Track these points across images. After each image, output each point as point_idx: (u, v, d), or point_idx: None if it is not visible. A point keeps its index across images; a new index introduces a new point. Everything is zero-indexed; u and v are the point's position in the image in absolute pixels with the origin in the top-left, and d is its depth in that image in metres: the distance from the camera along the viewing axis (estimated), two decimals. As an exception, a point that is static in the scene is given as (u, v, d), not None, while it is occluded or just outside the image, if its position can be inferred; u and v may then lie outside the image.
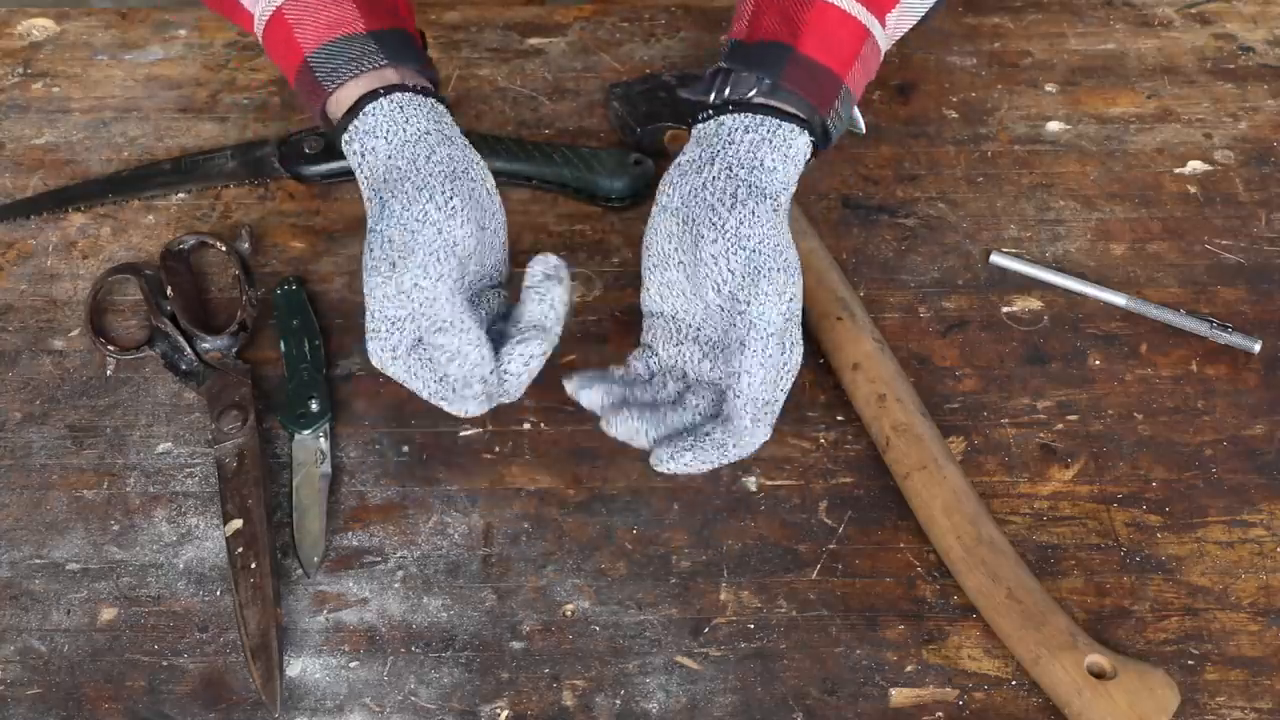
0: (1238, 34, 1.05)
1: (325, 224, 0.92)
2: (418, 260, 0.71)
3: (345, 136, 0.76)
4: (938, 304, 0.88)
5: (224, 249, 0.89)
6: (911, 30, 0.85)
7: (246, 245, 0.90)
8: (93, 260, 0.90)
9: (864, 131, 0.96)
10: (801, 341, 0.73)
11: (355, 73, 0.76)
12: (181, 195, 0.94)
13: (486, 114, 0.99)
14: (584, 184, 0.93)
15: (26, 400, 0.83)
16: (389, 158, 0.75)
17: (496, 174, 0.93)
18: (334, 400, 0.82)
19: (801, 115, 0.76)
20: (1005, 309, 0.87)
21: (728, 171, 0.74)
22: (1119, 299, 0.87)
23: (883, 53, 0.80)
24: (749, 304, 0.72)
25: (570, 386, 0.75)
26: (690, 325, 0.77)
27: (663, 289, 0.77)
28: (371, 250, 0.72)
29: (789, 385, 0.73)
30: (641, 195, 0.93)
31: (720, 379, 0.76)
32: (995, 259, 0.89)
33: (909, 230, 0.92)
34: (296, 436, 0.79)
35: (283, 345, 0.84)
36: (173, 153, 0.96)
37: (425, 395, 0.74)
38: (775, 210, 0.74)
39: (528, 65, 1.03)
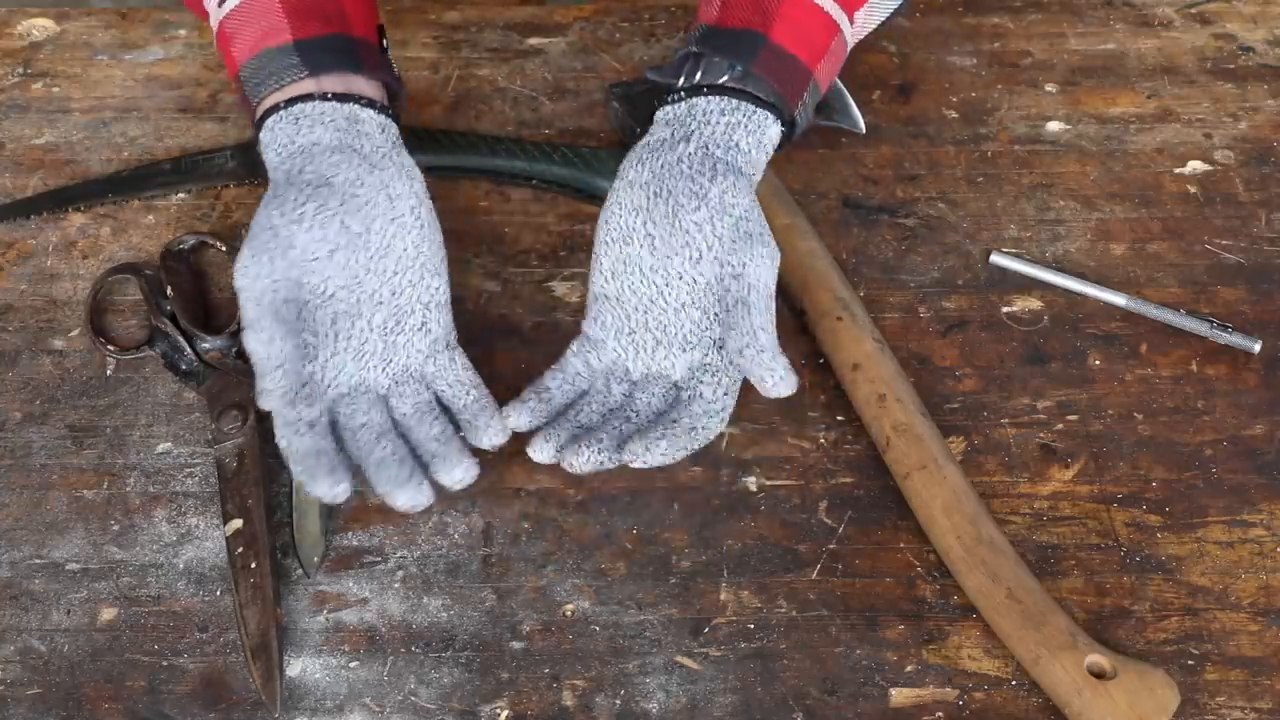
0: (1238, 34, 1.05)
1: (325, 224, 0.92)
2: (241, 261, 0.73)
3: (258, 148, 0.78)
4: (938, 304, 0.88)
5: (224, 249, 0.89)
6: (889, 22, 0.85)
7: (246, 245, 0.90)
8: (93, 260, 0.90)
9: (864, 131, 0.96)
10: None
11: (276, 86, 0.77)
12: (181, 195, 0.94)
13: (486, 114, 0.99)
14: (584, 184, 0.93)
15: (26, 400, 0.83)
16: (275, 168, 0.77)
17: (496, 174, 0.94)
18: (334, 400, 0.82)
19: (773, 103, 0.77)
20: (1005, 309, 0.87)
21: (704, 149, 0.76)
22: (1119, 299, 0.87)
23: (848, 49, 0.81)
24: (745, 266, 0.73)
25: (516, 424, 0.76)
26: (639, 308, 0.77)
27: (617, 265, 0.77)
28: None
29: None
30: (641, 195, 0.93)
31: (670, 368, 0.77)
32: (995, 259, 0.89)
33: (909, 230, 0.92)
34: (296, 436, 0.79)
35: (283, 345, 0.84)
36: (173, 153, 0.96)
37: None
38: (751, 188, 0.75)
39: (528, 65, 1.03)
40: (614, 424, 0.75)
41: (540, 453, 0.74)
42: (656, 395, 0.77)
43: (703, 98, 0.77)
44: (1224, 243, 0.91)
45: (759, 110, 0.77)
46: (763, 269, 0.73)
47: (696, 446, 0.74)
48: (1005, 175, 0.95)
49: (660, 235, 0.76)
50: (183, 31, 1.05)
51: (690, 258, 0.75)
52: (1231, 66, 1.03)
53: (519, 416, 0.76)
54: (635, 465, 0.73)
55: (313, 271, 0.74)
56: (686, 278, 0.76)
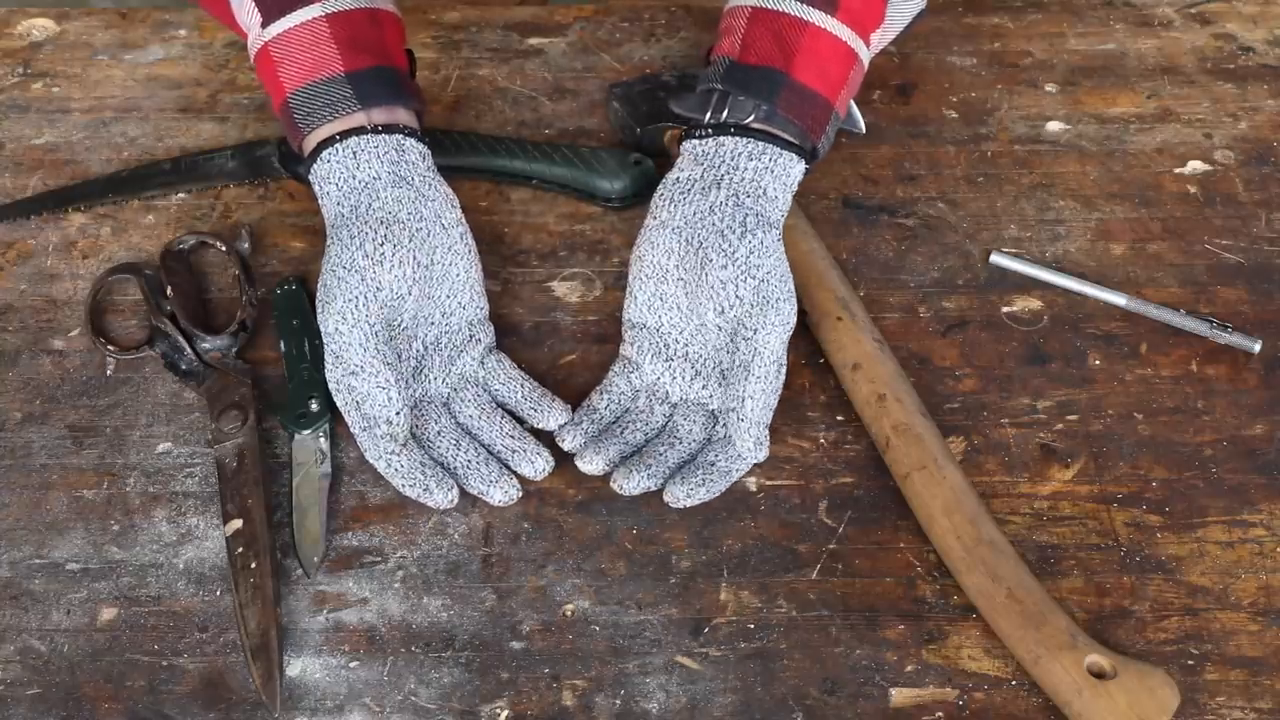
0: (1238, 34, 1.05)
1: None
2: (337, 307, 0.75)
3: (310, 178, 0.80)
4: (938, 304, 0.88)
5: (224, 249, 0.89)
6: (905, 33, 0.86)
7: (246, 245, 0.90)
8: (93, 260, 0.90)
9: (864, 131, 0.96)
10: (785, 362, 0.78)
11: (329, 118, 0.79)
12: (181, 195, 0.94)
13: (486, 114, 0.99)
14: (584, 184, 0.93)
15: (26, 400, 0.83)
16: (338, 203, 0.78)
17: (496, 174, 0.94)
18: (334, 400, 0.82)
19: (795, 141, 0.78)
20: (1005, 309, 0.87)
21: (734, 199, 0.77)
22: (1119, 299, 0.87)
23: (865, 70, 0.82)
24: (756, 331, 0.75)
25: (582, 463, 0.78)
26: (679, 340, 0.80)
27: (654, 301, 0.80)
28: (318, 290, 0.77)
29: (775, 404, 0.77)
30: (642, 195, 0.93)
31: (709, 399, 0.80)
32: (995, 259, 0.89)
33: (909, 230, 0.92)
34: (296, 436, 0.79)
35: (283, 345, 0.84)
36: (173, 153, 0.96)
37: (353, 431, 0.78)
38: (778, 240, 0.77)
39: (528, 65, 1.03)
40: (660, 449, 0.78)
41: (590, 464, 0.78)
42: (697, 423, 0.80)
43: (730, 138, 0.78)
44: (1224, 243, 0.91)
45: (784, 153, 0.78)
46: (773, 336, 0.75)
47: (730, 484, 0.78)
48: (1005, 175, 0.95)
49: (690, 281, 0.78)
50: (183, 31, 1.05)
51: (715, 309, 0.77)
52: (1231, 66, 1.03)
53: (573, 438, 0.79)
54: (676, 506, 0.76)
55: (399, 310, 0.77)
56: (711, 325, 0.78)
